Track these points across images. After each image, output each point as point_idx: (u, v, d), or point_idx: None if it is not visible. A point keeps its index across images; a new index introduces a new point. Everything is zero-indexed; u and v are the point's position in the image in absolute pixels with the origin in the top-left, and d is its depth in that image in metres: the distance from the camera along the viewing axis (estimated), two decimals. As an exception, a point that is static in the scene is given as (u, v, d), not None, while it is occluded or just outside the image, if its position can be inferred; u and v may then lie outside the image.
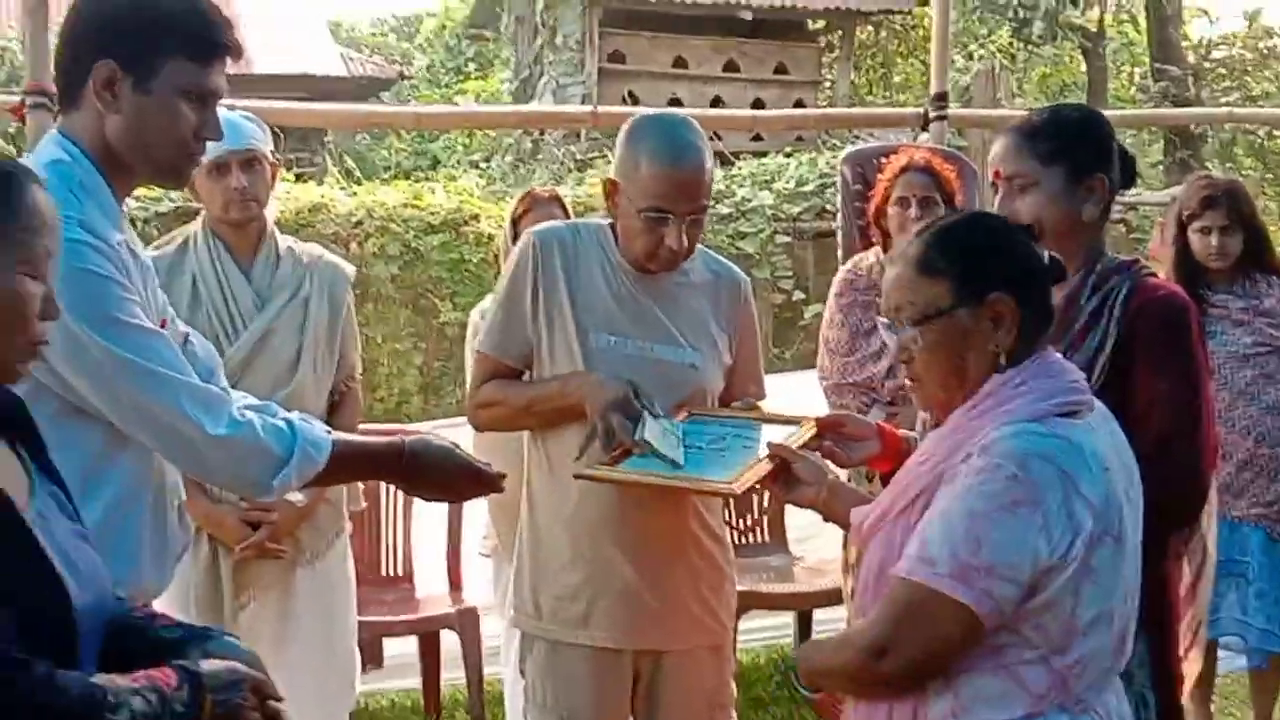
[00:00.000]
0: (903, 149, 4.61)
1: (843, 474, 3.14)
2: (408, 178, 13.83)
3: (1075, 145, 2.45)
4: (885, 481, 2.42)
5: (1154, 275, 2.52)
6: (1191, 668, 2.34)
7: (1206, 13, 21.38)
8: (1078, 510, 1.83)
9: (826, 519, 2.40)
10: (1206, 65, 19.47)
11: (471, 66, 21.80)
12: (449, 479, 2.42)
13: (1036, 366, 1.96)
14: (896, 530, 1.99)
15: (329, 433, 2.28)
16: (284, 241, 3.55)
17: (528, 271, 2.79)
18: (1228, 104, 16.43)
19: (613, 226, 2.82)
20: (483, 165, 16.22)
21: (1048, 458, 1.85)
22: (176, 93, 2.12)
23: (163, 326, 2.25)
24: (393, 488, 4.80)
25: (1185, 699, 2.28)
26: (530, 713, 2.88)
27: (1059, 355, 2.05)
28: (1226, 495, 4.01)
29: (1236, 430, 4.04)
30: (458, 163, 16.93)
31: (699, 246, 2.87)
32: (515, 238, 4.03)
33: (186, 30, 2.13)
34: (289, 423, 2.20)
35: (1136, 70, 20.74)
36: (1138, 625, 2.16)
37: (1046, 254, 2.06)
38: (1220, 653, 4.29)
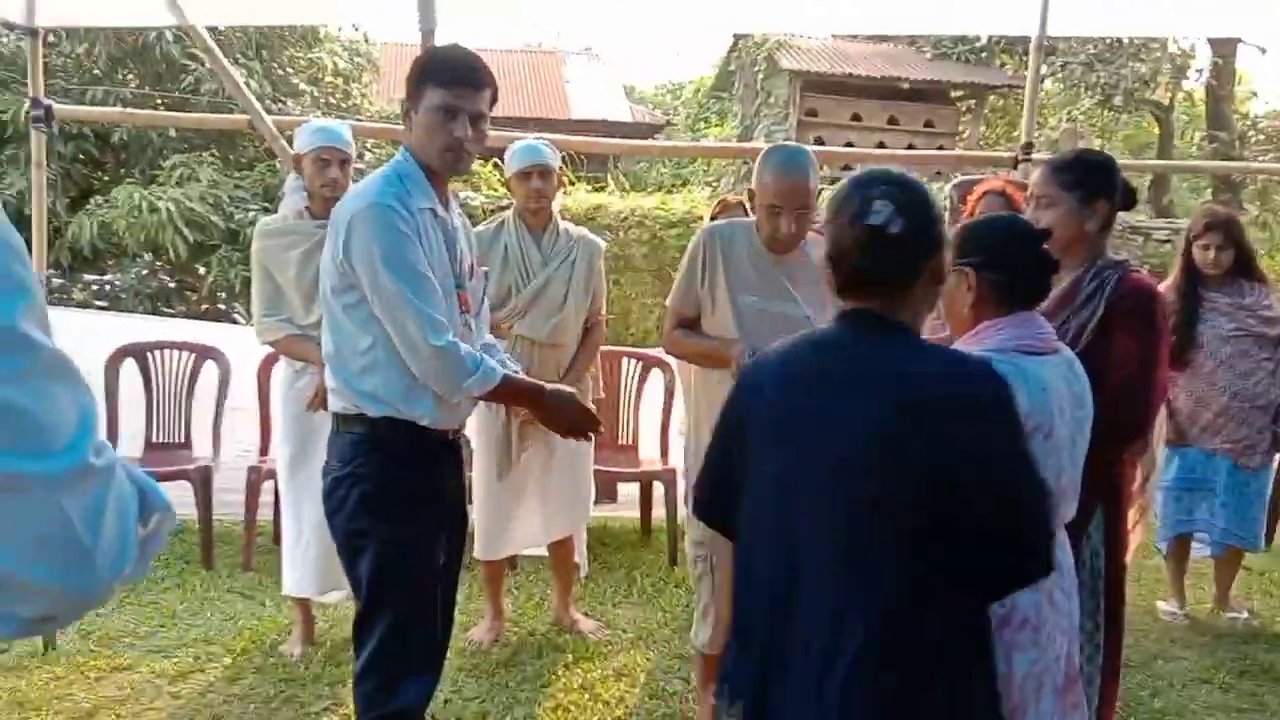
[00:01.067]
0: (988, 179, 4.45)
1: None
2: (665, 190, 13.94)
3: (1088, 178, 2.35)
4: None
5: (1137, 271, 2.39)
6: (1134, 539, 2.26)
7: (1255, 93, 19.66)
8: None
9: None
10: (1252, 133, 17.88)
11: (714, 118, 21.68)
12: (567, 417, 2.42)
13: (1016, 319, 1.93)
14: None
15: (506, 371, 2.31)
16: (563, 224, 3.71)
17: (698, 255, 2.80)
18: (1265, 162, 15.09)
19: (756, 224, 2.80)
20: (714, 183, 16.16)
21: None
22: (432, 111, 2.18)
23: (471, 272, 2.36)
24: (632, 386, 5.00)
25: (1129, 558, 2.20)
26: (689, 534, 2.90)
27: (1038, 315, 1.99)
28: (1206, 434, 3.87)
29: (1216, 389, 3.84)
30: (700, 182, 16.93)
31: (816, 237, 2.77)
32: None
33: (436, 68, 2.20)
34: (482, 357, 2.25)
35: (1197, 134, 19.16)
36: (1097, 501, 2.13)
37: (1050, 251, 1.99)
38: (1194, 545, 4.12)
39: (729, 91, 19.27)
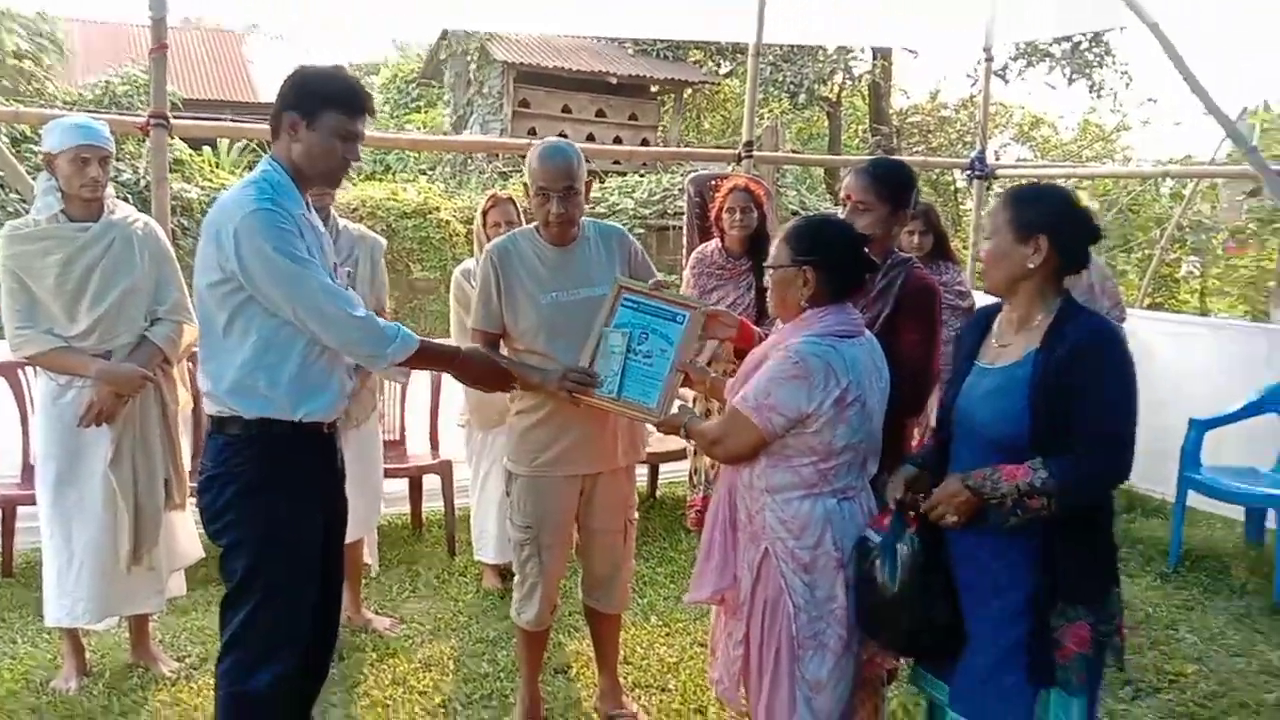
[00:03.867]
0: (731, 176, 4.81)
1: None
2: (369, 178, 13.60)
3: (898, 189, 2.59)
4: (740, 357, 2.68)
5: (920, 268, 2.65)
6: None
7: (905, 90, 21.95)
8: (830, 385, 2.12)
9: (709, 396, 2.62)
10: (905, 126, 20.00)
11: (420, 103, 21.30)
12: (486, 375, 2.61)
13: (835, 309, 2.23)
14: (739, 384, 2.28)
15: (418, 336, 2.41)
16: (342, 222, 3.66)
17: (489, 274, 2.80)
18: (915, 153, 17.02)
19: (533, 218, 2.84)
20: (429, 172, 15.96)
21: (817, 354, 2.14)
22: (333, 135, 2.30)
23: (336, 270, 2.42)
24: (390, 386, 4.94)
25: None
26: (514, 519, 2.92)
27: (852, 306, 2.28)
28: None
29: None
30: (406, 169, 16.65)
31: (587, 219, 2.88)
32: (485, 224, 4.15)
33: (341, 95, 2.31)
34: (398, 325, 2.37)
35: (860, 128, 21.15)
36: (889, 459, 2.45)
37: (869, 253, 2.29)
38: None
39: (438, 81, 19.03)
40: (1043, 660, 2.00)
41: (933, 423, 2.48)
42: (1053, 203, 2.08)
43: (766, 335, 2.68)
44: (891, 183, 2.59)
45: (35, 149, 9.33)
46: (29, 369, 3.97)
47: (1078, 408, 1.95)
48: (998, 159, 18.09)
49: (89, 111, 7.47)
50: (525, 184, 2.85)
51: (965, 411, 2.14)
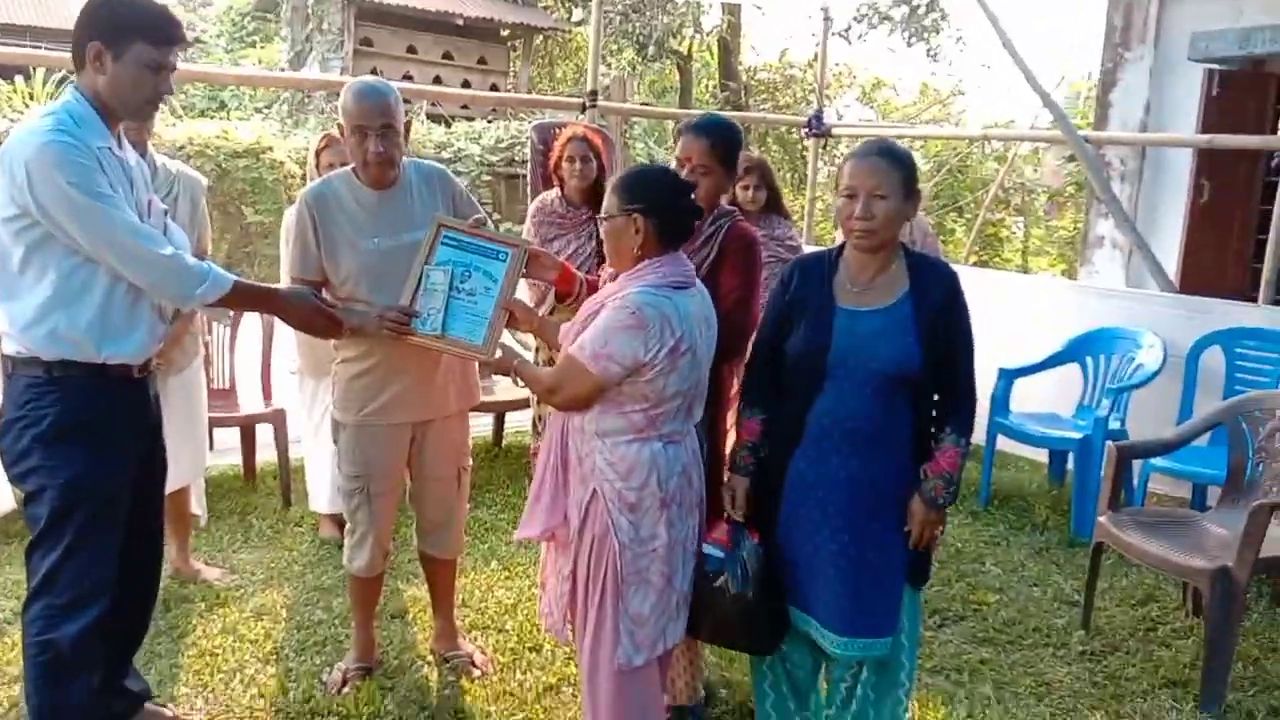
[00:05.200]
0: (570, 125, 4.79)
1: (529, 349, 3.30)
2: (201, 115, 12.92)
3: (731, 152, 2.63)
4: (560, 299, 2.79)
5: (742, 220, 2.70)
6: (731, 435, 2.71)
7: (754, 47, 22.25)
8: (665, 336, 2.19)
9: (538, 338, 2.65)
10: (753, 83, 20.27)
11: (256, 38, 20.20)
12: (308, 317, 2.54)
13: (668, 259, 2.29)
14: (575, 332, 2.32)
15: (235, 277, 2.35)
16: (159, 158, 3.46)
17: (306, 221, 2.71)
18: (763, 110, 17.34)
19: (355, 170, 2.75)
20: (265, 110, 15.22)
21: (653, 305, 2.20)
22: (142, 66, 2.21)
23: (150, 206, 2.35)
24: (220, 330, 4.77)
25: (727, 449, 2.66)
26: (342, 468, 2.89)
27: (684, 256, 2.34)
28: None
29: None
30: (241, 107, 15.85)
31: (409, 160, 2.82)
32: (318, 165, 4.02)
33: (147, 23, 2.21)
34: (210, 264, 2.30)
35: (710, 83, 21.32)
36: (709, 404, 2.55)
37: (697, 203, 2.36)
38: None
39: (274, 14, 18.09)
40: (921, 563, 2.39)
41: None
42: (913, 159, 2.35)
43: (592, 281, 2.74)
44: (727, 145, 2.63)
45: None
46: None
47: (956, 344, 2.29)
48: (840, 118, 18.64)
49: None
50: (339, 125, 2.75)
51: (847, 350, 2.27)
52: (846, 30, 17.44)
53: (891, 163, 2.25)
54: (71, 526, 2.25)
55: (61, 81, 11.40)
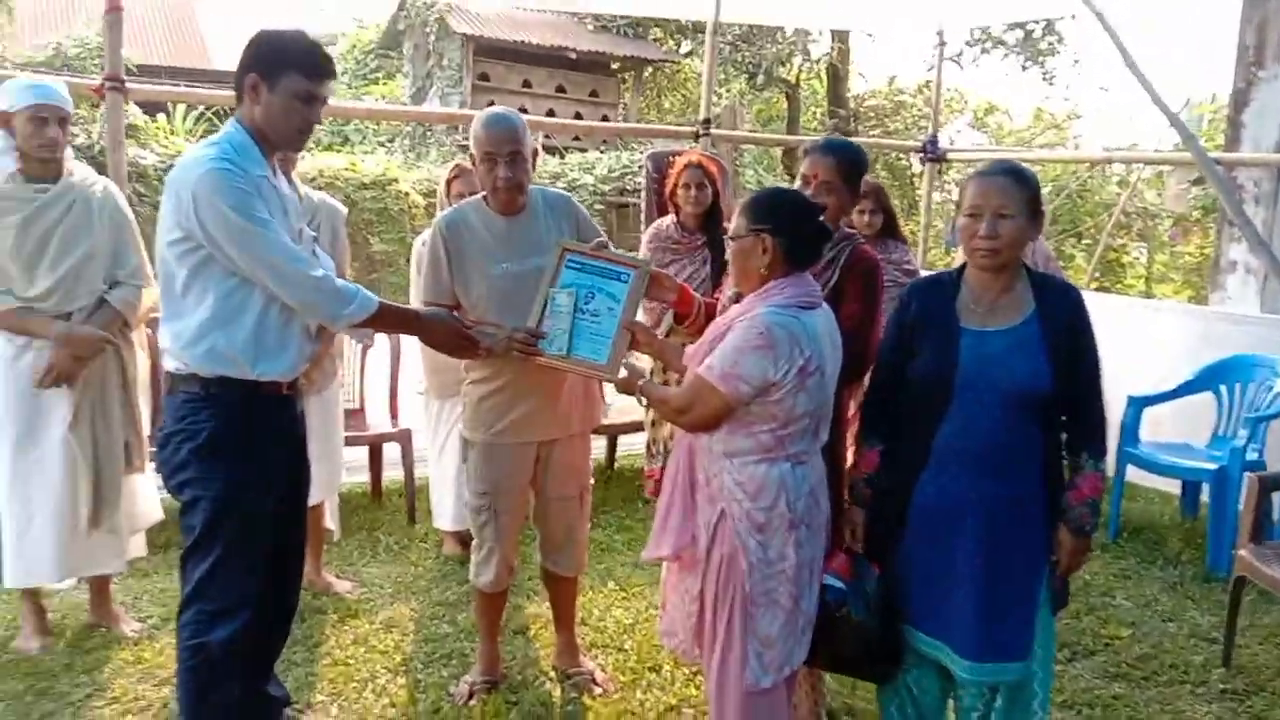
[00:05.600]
0: (685, 152, 4.85)
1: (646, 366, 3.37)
2: (328, 149, 13.42)
3: (855, 170, 2.63)
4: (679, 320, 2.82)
5: (864, 244, 2.69)
6: (849, 453, 2.70)
7: (862, 74, 22.08)
8: (794, 355, 2.19)
9: (661, 362, 2.69)
10: (862, 110, 20.12)
11: (379, 75, 21.00)
12: (447, 338, 2.63)
13: (795, 279, 2.29)
14: (703, 353, 2.34)
15: (378, 297, 2.45)
16: (303, 188, 3.64)
17: (439, 247, 2.80)
18: (872, 136, 17.16)
19: (485, 198, 2.85)
20: (388, 144, 15.78)
21: (782, 325, 2.20)
22: (295, 96, 2.32)
23: (301, 234, 2.46)
24: (355, 349, 4.94)
25: (849, 468, 2.65)
26: (471, 486, 2.96)
27: (810, 276, 2.34)
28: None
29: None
30: (365, 140, 16.45)
31: (536, 188, 2.88)
32: (449, 194, 4.12)
33: (301, 57, 2.33)
34: (358, 287, 2.41)
35: (818, 110, 21.24)
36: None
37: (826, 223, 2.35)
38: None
39: (396, 51, 18.81)
40: (1063, 589, 2.36)
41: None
42: (1037, 180, 2.30)
43: (710, 303, 2.76)
44: (853, 165, 2.64)
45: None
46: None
47: (1085, 365, 2.26)
48: (952, 144, 18.33)
49: (41, 73, 7.29)
50: (471, 154, 2.84)
51: (974, 371, 2.24)
52: (959, 55, 17.21)
53: (1017, 182, 2.22)
54: (223, 536, 2.36)
55: (200, 117, 12.10)
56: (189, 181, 2.24)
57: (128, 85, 4.63)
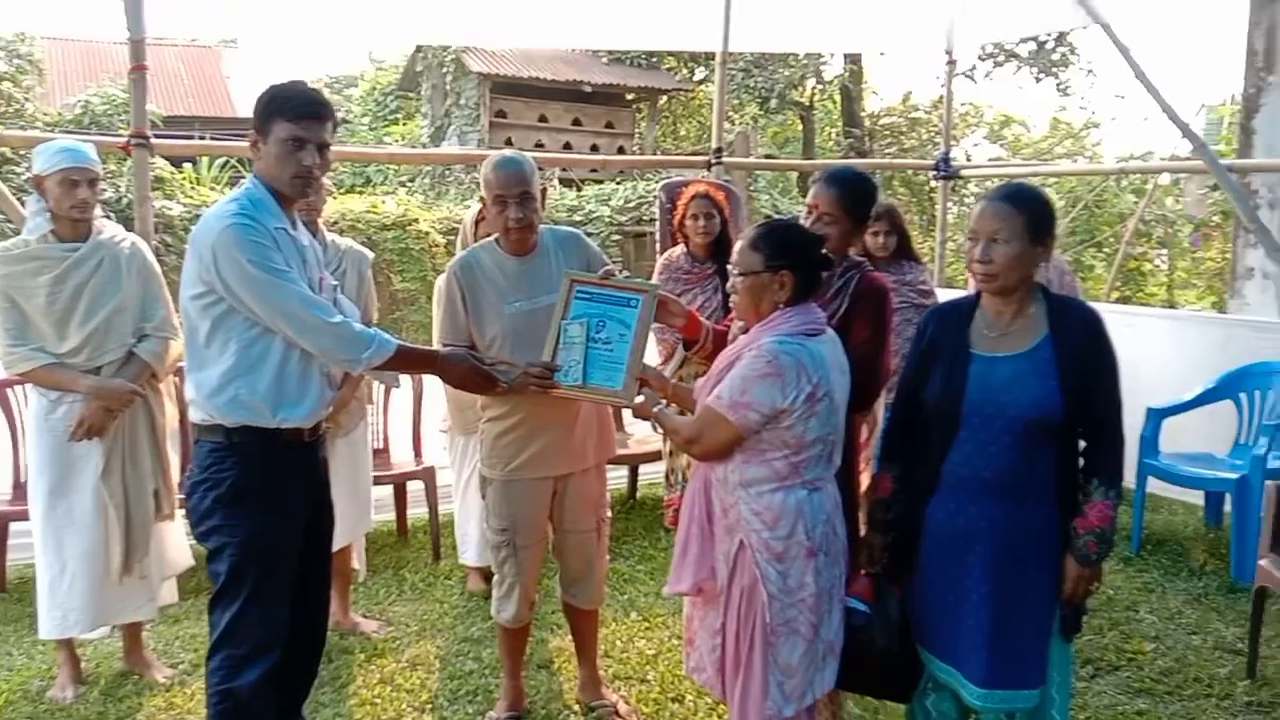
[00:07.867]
0: (693, 182, 4.87)
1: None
2: (350, 192, 13.63)
3: (860, 203, 2.66)
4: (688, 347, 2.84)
5: (873, 271, 2.71)
6: (863, 480, 2.71)
7: (876, 92, 22.11)
8: (802, 382, 2.22)
9: (671, 402, 2.72)
10: (877, 129, 20.13)
11: (398, 115, 21.29)
12: (466, 375, 2.68)
13: (801, 309, 2.33)
14: (711, 384, 2.37)
15: (397, 340, 2.51)
16: (329, 235, 3.72)
17: (455, 289, 2.86)
18: (888, 154, 17.19)
19: (497, 239, 2.90)
20: (409, 184, 15.97)
21: (789, 353, 2.24)
22: (281, 143, 2.38)
23: (321, 282, 2.52)
24: (379, 389, 4.98)
25: (862, 495, 2.67)
26: (490, 522, 3.00)
27: (816, 305, 2.38)
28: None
29: (889, 352, 4.44)
30: (386, 181, 16.65)
31: (545, 227, 2.94)
32: (475, 233, 4.08)
33: (282, 104, 2.39)
34: (375, 330, 2.47)
35: (833, 130, 21.27)
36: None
37: (826, 254, 2.39)
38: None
39: (415, 92, 19.07)
40: (1073, 614, 2.31)
41: (880, 418, 2.58)
42: (1044, 202, 2.28)
43: (720, 330, 2.79)
44: (856, 197, 2.66)
45: (16, 171, 9.33)
46: (18, 388, 4.04)
47: (1101, 390, 2.22)
48: (969, 159, 18.28)
49: (70, 132, 7.50)
50: (482, 198, 2.91)
51: (984, 399, 2.25)
52: (971, 70, 17.22)
53: (1014, 207, 2.23)
54: (249, 581, 2.42)
55: (225, 166, 12.35)
56: (209, 237, 2.32)
57: (153, 141, 4.74)
